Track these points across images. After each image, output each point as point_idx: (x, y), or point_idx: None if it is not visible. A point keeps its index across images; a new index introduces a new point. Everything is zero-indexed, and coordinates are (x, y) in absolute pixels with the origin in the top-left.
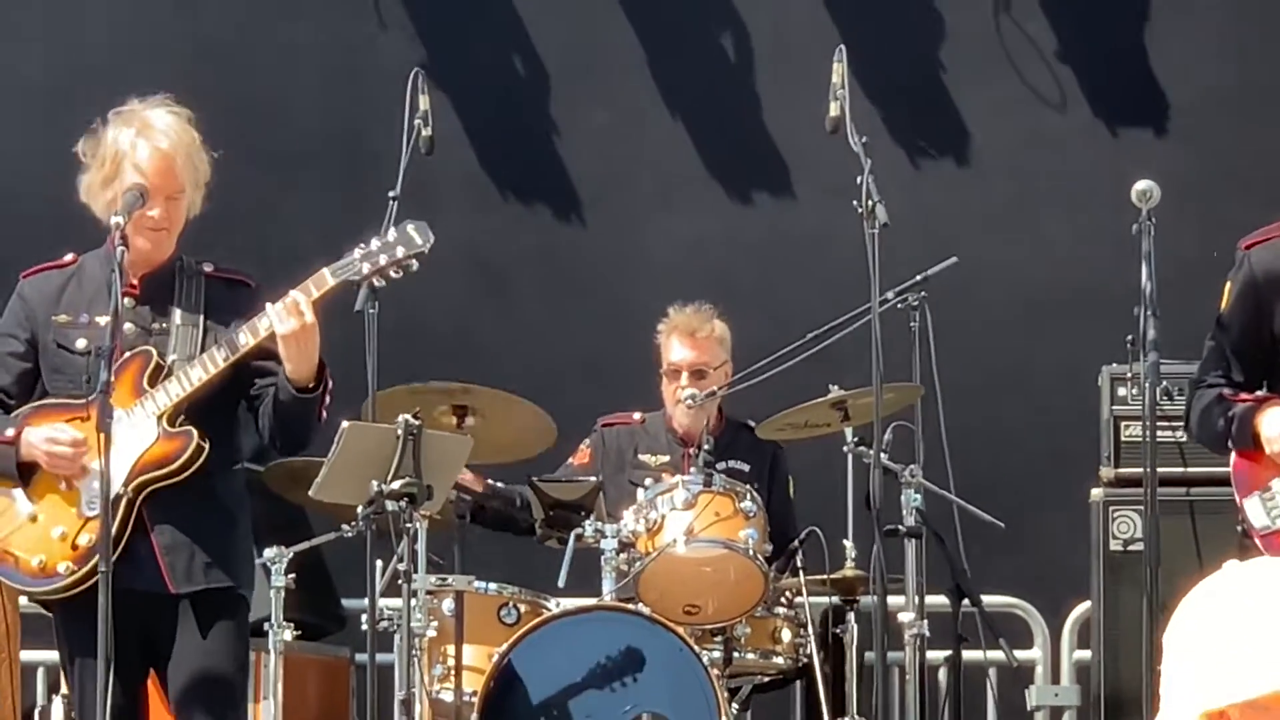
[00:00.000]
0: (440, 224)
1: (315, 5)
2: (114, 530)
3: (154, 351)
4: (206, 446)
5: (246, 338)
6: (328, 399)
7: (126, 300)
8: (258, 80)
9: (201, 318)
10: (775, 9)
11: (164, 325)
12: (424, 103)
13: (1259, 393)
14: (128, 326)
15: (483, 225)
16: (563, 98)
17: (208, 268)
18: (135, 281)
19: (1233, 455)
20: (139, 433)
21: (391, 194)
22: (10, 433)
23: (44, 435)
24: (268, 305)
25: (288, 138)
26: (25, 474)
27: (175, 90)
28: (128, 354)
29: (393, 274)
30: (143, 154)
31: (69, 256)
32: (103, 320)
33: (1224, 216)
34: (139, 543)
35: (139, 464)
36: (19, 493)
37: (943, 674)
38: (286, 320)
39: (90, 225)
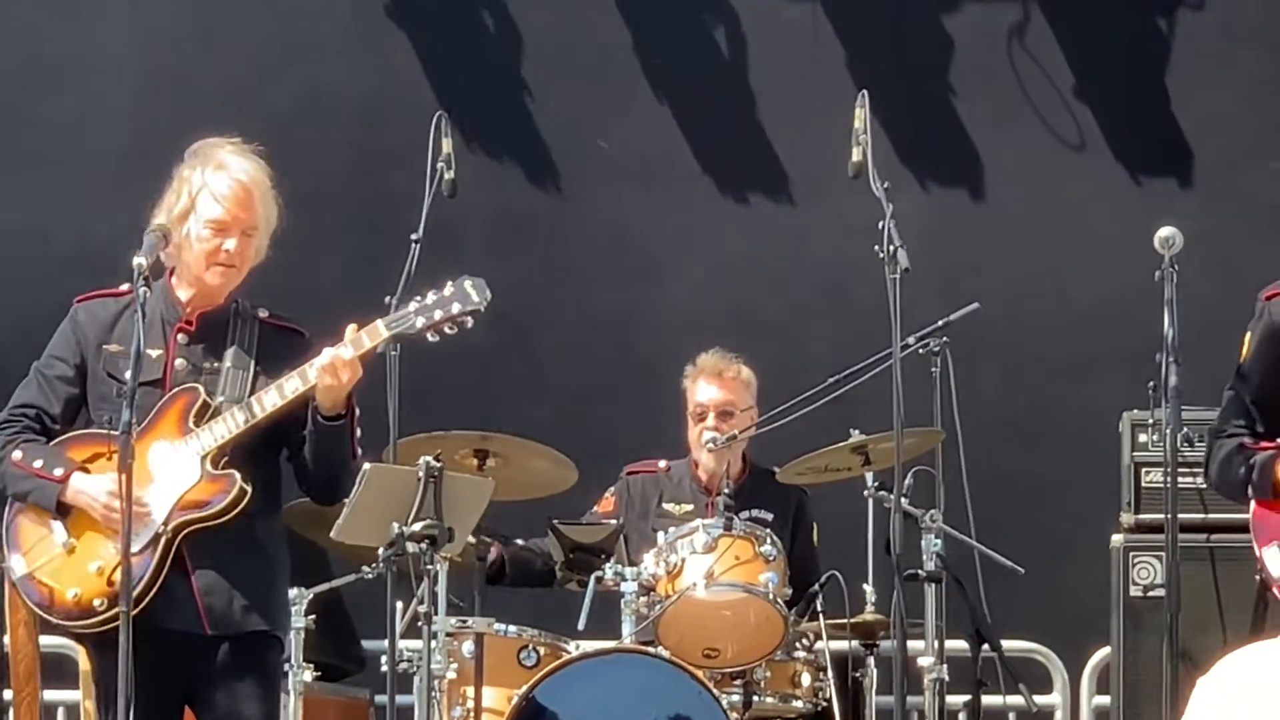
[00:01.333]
0: (462, 267)
1: (336, 48)
2: (151, 568)
3: (200, 389)
4: (250, 490)
5: (296, 384)
6: (358, 431)
7: (180, 336)
8: (279, 122)
9: (253, 363)
10: (799, 63)
11: (214, 365)
12: (446, 145)
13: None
14: (179, 362)
15: (504, 269)
16: (576, 137)
17: (263, 313)
18: (192, 319)
19: (1252, 504)
20: (182, 471)
21: (414, 237)
22: (58, 473)
23: (106, 490)
24: (325, 350)
25: (310, 180)
26: (63, 509)
27: (199, 132)
28: (174, 389)
29: (447, 330)
30: (221, 187)
31: (125, 286)
32: (154, 353)
33: (1245, 265)
34: (177, 583)
35: (180, 504)
36: (57, 525)
37: (962, 718)
38: (325, 379)
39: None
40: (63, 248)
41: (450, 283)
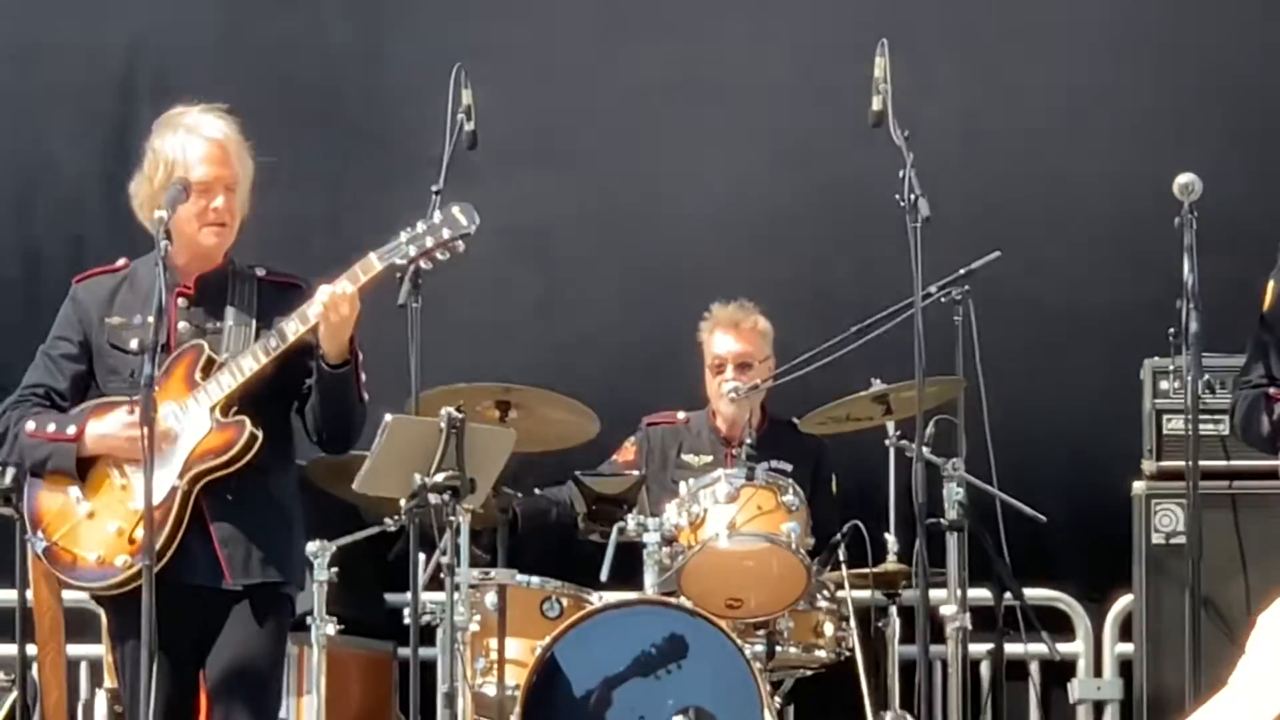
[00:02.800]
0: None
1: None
2: (170, 523)
3: (205, 345)
4: (260, 435)
5: (297, 325)
6: (364, 376)
7: (180, 301)
8: (295, 78)
9: (254, 321)
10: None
11: (217, 326)
12: (466, 97)
13: None
14: (182, 326)
15: (523, 213)
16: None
17: (260, 272)
18: (190, 284)
19: None
20: (193, 425)
21: (435, 189)
22: (72, 431)
23: (124, 422)
24: (322, 288)
25: (329, 135)
26: (82, 470)
27: (213, 92)
28: (179, 349)
29: (439, 256)
30: (196, 149)
31: (120, 261)
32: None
33: (1270, 211)
34: (195, 538)
35: (194, 455)
36: (74, 490)
37: (985, 667)
38: (338, 308)
39: (142, 237)
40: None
41: (439, 209)
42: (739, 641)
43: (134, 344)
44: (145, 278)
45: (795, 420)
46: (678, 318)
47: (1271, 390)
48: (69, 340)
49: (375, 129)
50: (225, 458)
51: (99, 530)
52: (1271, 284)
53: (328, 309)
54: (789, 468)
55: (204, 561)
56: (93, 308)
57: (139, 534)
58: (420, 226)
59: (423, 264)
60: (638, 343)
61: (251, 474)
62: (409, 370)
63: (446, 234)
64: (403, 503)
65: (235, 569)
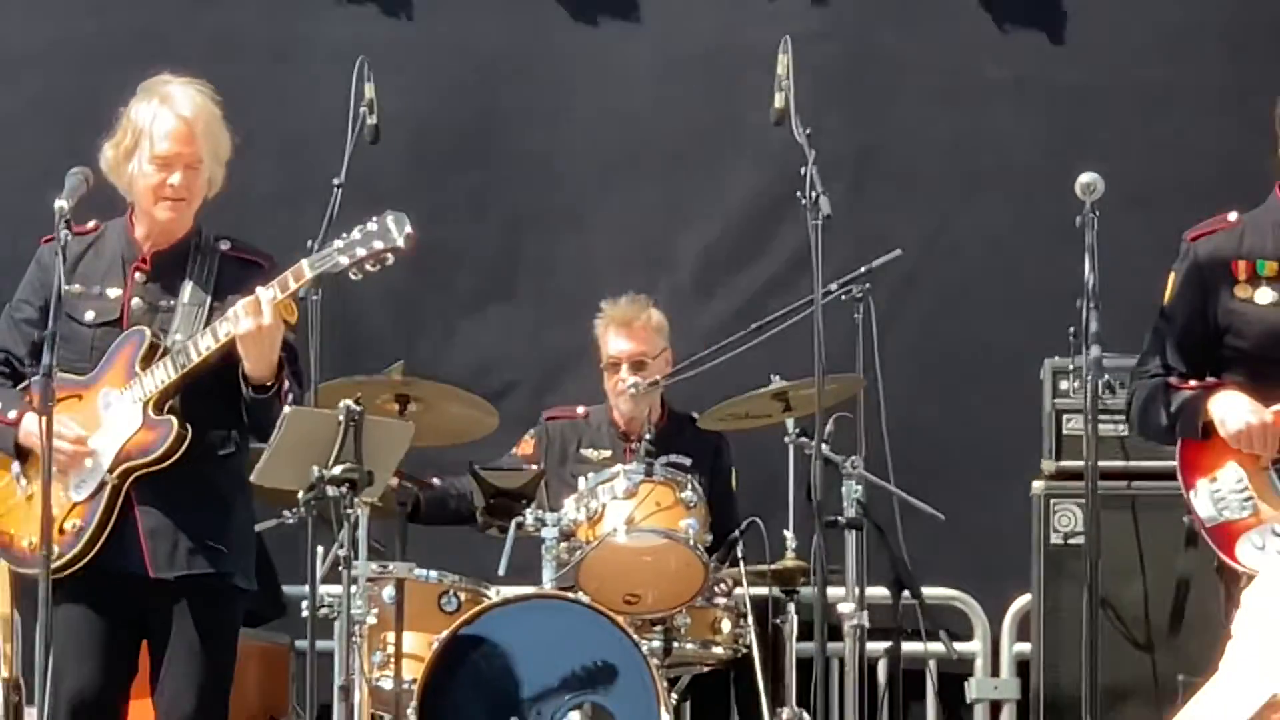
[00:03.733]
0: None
1: None
2: (99, 514)
3: (147, 332)
4: (188, 434)
5: (228, 327)
6: (289, 398)
7: (137, 275)
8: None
9: (209, 298)
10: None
11: (170, 304)
12: (369, 90)
13: (1209, 380)
14: (135, 302)
15: (425, 212)
16: (497, 74)
17: (224, 245)
18: (148, 257)
19: (1178, 446)
20: (125, 417)
21: (336, 182)
22: (13, 415)
23: (74, 435)
24: (239, 304)
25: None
26: (22, 453)
27: (122, 79)
28: (125, 334)
29: (369, 267)
30: (163, 123)
31: (92, 224)
32: (113, 293)
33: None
34: (127, 526)
35: (123, 450)
36: (17, 469)
37: (882, 666)
38: (245, 319)
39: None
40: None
41: (373, 219)
42: (636, 637)
43: (88, 315)
44: (112, 245)
45: (695, 415)
46: (580, 311)
47: (1172, 380)
48: (30, 304)
49: None
50: (152, 456)
51: (34, 515)
52: (1172, 276)
53: (248, 310)
54: (688, 462)
55: (133, 550)
56: (55, 272)
57: (69, 524)
58: (355, 234)
59: (352, 274)
60: (538, 337)
61: (187, 463)
62: (309, 362)
63: (379, 245)
64: (300, 495)
65: (159, 561)
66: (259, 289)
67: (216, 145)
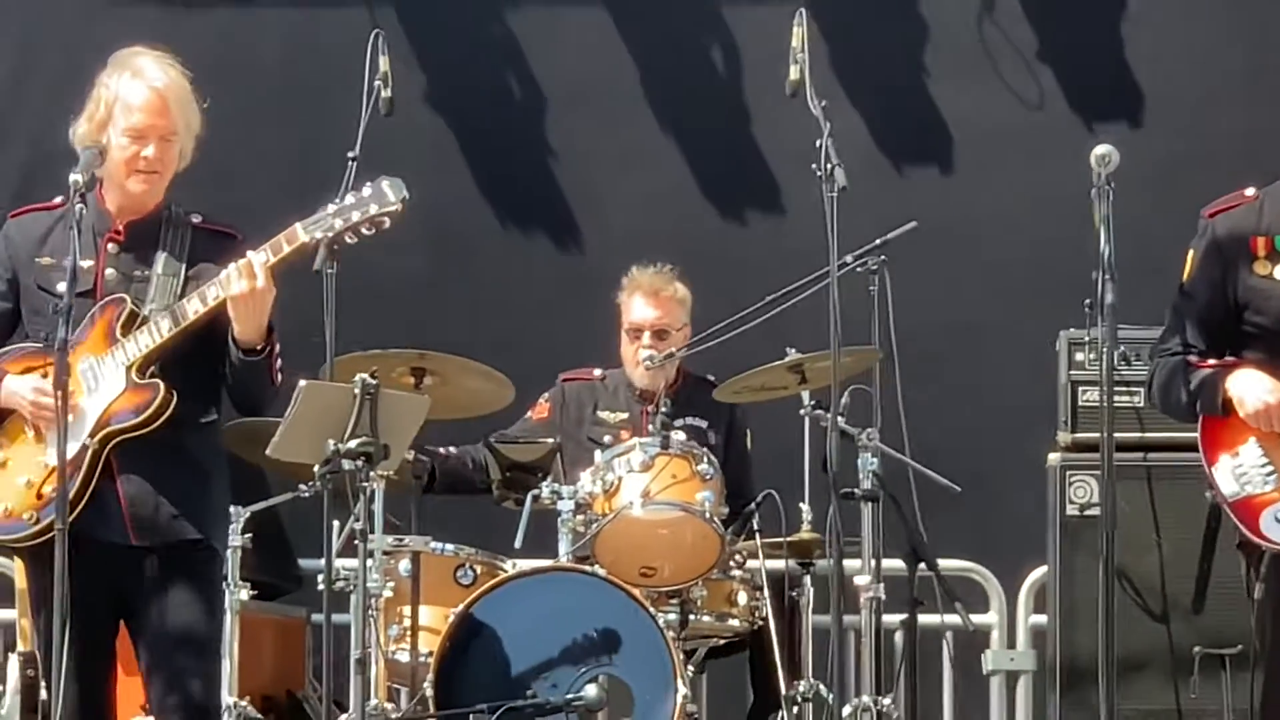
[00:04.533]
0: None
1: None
2: (79, 481)
3: (128, 299)
4: (174, 399)
5: (216, 292)
6: (278, 362)
7: (110, 246)
8: (218, 39)
9: (183, 268)
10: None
11: (144, 274)
12: (384, 64)
13: (1227, 358)
14: (109, 273)
15: (441, 186)
16: (523, 49)
17: (195, 218)
18: (120, 228)
19: (1200, 423)
20: (108, 382)
21: (350, 155)
22: None
23: (32, 386)
24: (231, 266)
25: (248, 97)
26: None
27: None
28: (102, 301)
29: (365, 231)
30: (136, 95)
31: (58, 199)
32: (86, 264)
33: (1184, 184)
34: (107, 493)
35: (105, 415)
36: None
37: (899, 638)
38: (238, 282)
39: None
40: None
41: (368, 183)
42: (652, 610)
43: (61, 287)
44: (83, 215)
45: (711, 378)
46: (594, 288)
47: (1191, 358)
48: None
49: None
50: (138, 419)
51: (9, 481)
52: (1191, 253)
53: (241, 272)
54: (704, 424)
55: (114, 517)
56: (23, 245)
57: (47, 489)
58: (349, 199)
59: (349, 237)
60: (555, 310)
61: (167, 430)
62: (325, 337)
63: (374, 210)
64: (316, 468)
65: (141, 528)
66: (250, 252)
67: (189, 118)
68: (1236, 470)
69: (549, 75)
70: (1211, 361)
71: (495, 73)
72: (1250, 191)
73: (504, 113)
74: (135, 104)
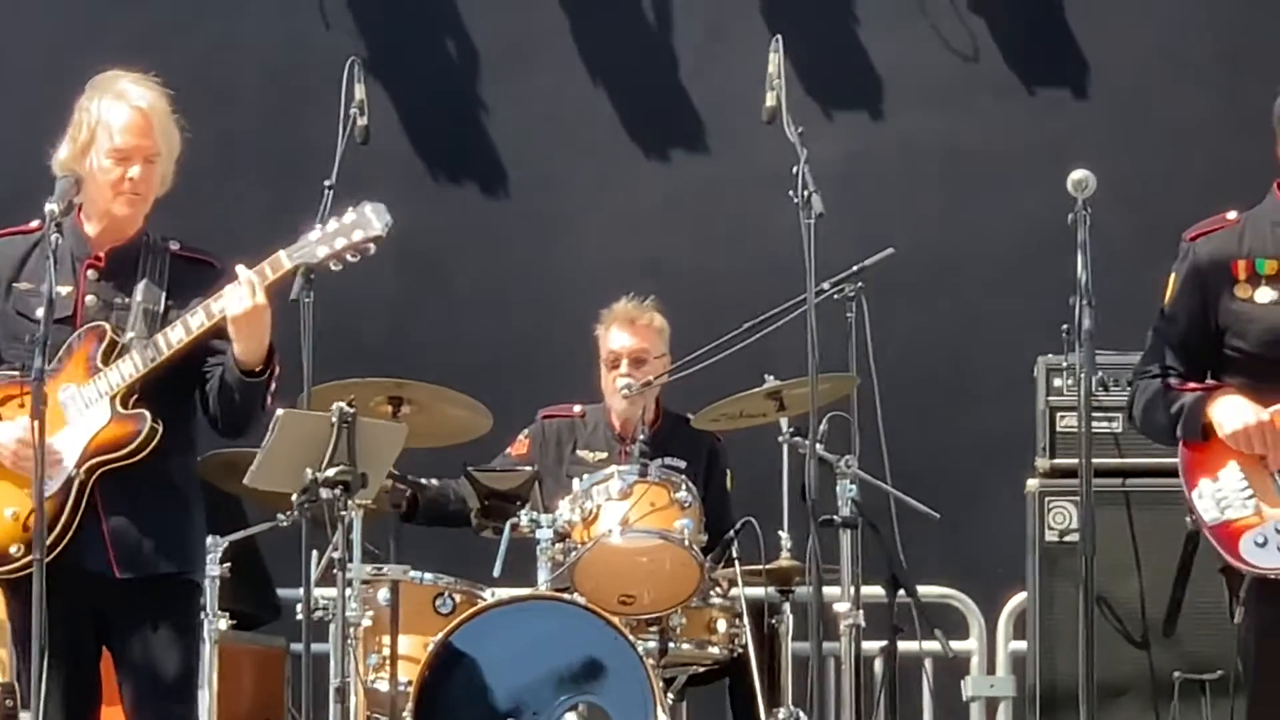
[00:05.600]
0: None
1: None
2: (66, 513)
3: (108, 327)
4: (160, 429)
5: (201, 319)
6: (273, 385)
7: (90, 272)
8: (194, 71)
9: (163, 296)
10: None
11: (124, 301)
12: (360, 92)
13: (1208, 381)
14: (89, 299)
15: (418, 215)
16: (492, 79)
17: (174, 246)
18: (101, 255)
19: (1180, 447)
20: (92, 412)
21: (327, 183)
22: None
23: (14, 437)
24: (228, 287)
25: (225, 128)
26: None
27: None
28: (82, 329)
29: (349, 258)
30: (120, 116)
31: (35, 223)
32: (64, 290)
33: (1160, 209)
34: (91, 525)
35: (91, 445)
36: None
37: (878, 665)
38: (238, 301)
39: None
40: None
41: (351, 209)
42: (632, 638)
43: (39, 312)
44: (60, 243)
45: (689, 416)
46: (571, 315)
47: (1173, 381)
48: None
49: None
50: (124, 451)
51: None
52: (1172, 277)
53: (234, 298)
54: (683, 464)
55: (97, 549)
56: (2, 269)
57: (33, 521)
58: (332, 225)
59: (333, 265)
60: (532, 338)
61: (149, 460)
62: (301, 365)
63: (358, 236)
64: (294, 497)
65: (124, 562)
66: (241, 269)
67: (171, 140)
68: (1216, 495)
69: (520, 95)
70: (1193, 385)
71: (466, 93)
72: (1232, 215)
73: (478, 137)
74: (119, 125)
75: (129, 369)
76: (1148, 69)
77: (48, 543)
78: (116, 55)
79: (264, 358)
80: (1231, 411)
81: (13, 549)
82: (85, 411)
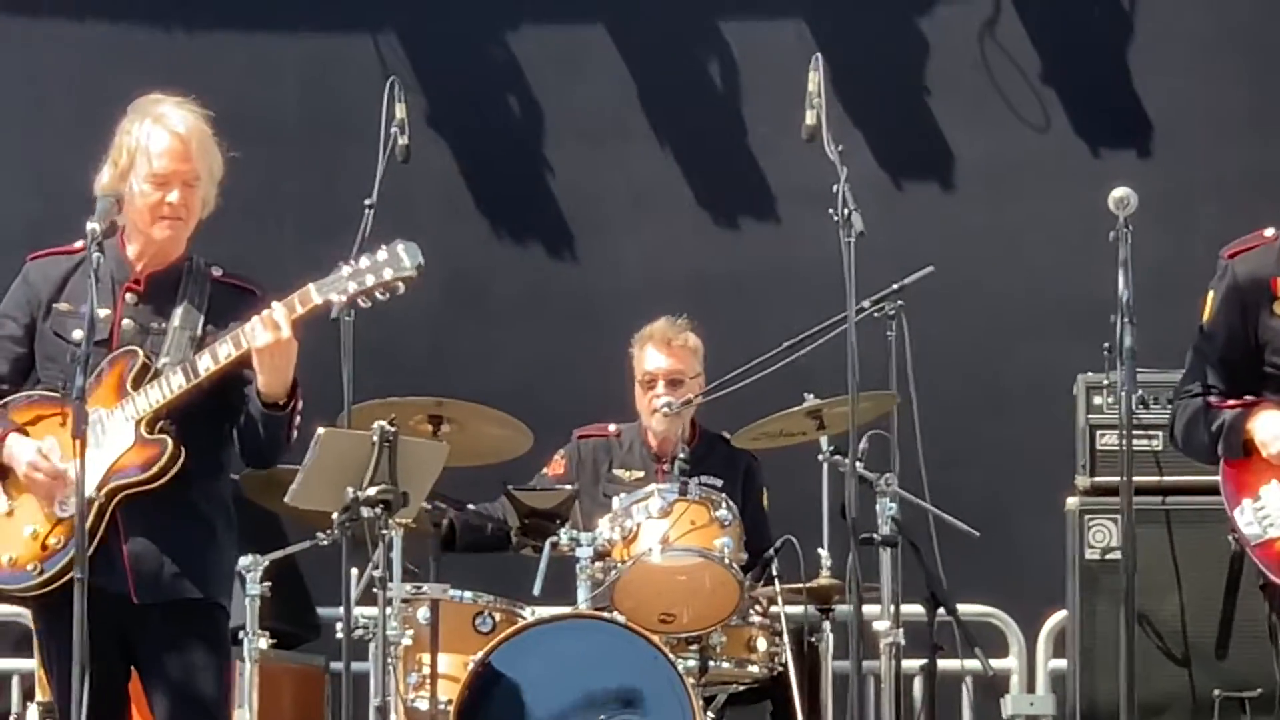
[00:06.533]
0: (415, 235)
1: (295, 16)
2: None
3: (140, 352)
4: (182, 455)
5: (229, 349)
6: (297, 419)
7: (129, 296)
8: (236, 89)
9: (201, 321)
10: (760, 32)
11: (161, 326)
12: (400, 111)
13: (1247, 398)
14: (126, 323)
15: (459, 235)
16: (536, 93)
17: (216, 271)
18: (140, 278)
19: (1221, 465)
20: (117, 436)
21: (367, 203)
22: None
23: (29, 458)
24: (254, 319)
25: (268, 147)
26: (1, 470)
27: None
28: (113, 353)
29: (379, 295)
30: (159, 141)
31: (79, 244)
32: (103, 313)
33: (1200, 225)
34: (112, 549)
35: (112, 469)
36: None
37: (918, 683)
38: (263, 334)
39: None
40: (17, 219)
41: (384, 246)
42: (671, 656)
43: (77, 334)
44: (102, 265)
45: (726, 435)
46: (610, 332)
47: (1212, 399)
48: (15, 321)
49: None
50: (145, 475)
51: (15, 530)
52: (1210, 295)
53: (263, 325)
54: (719, 483)
55: (118, 572)
56: (43, 289)
57: (53, 540)
58: (364, 262)
59: (361, 302)
60: (570, 357)
61: (174, 485)
62: (342, 384)
63: (389, 275)
64: (335, 516)
65: (143, 587)
66: (274, 303)
67: (211, 163)
68: (1259, 513)
69: (562, 115)
70: (1232, 402)
71: (501, 105)
72: (1270, 232)
73: (514, 154)
74: (158, 150)
75: (157, 395)
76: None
77: (68, 563)
78: (152, 80)
79: (288, 390)
80: (1274, 429)
81: (30, 567)
82: (109, 435)
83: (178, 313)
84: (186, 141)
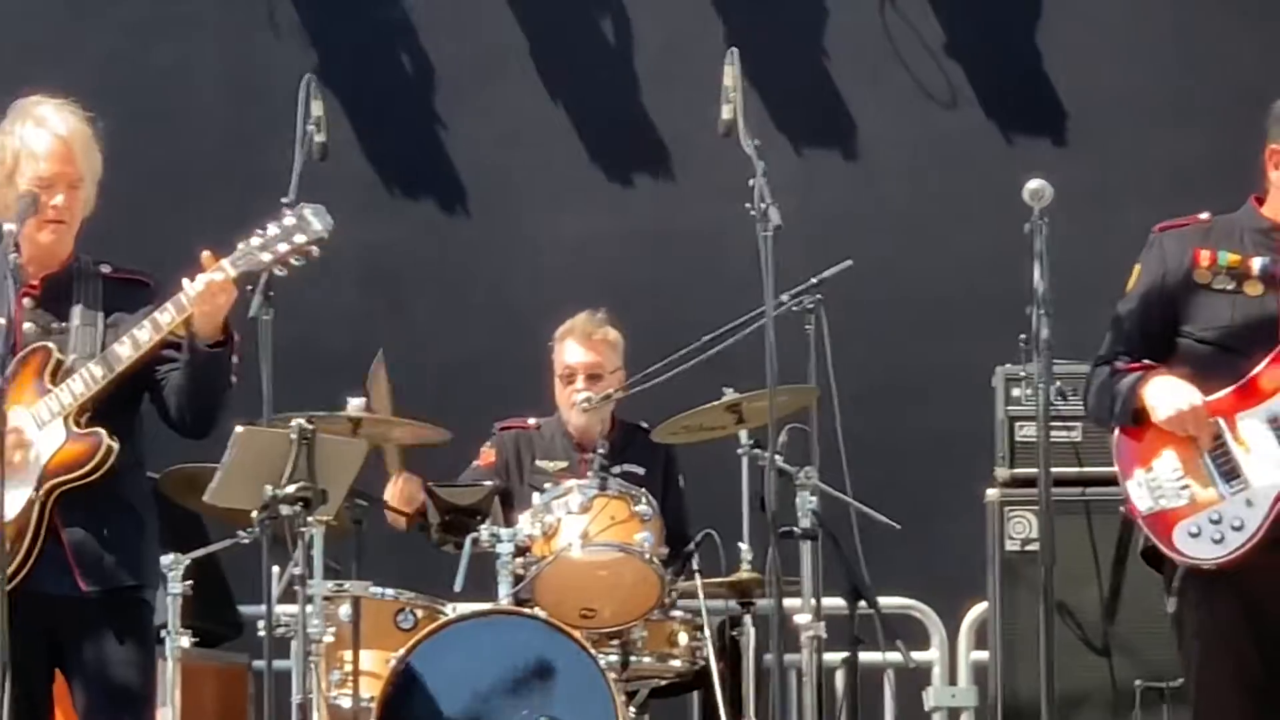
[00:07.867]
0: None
1: (208, 14)
2: (29, 535)
3: (52, 347)
4: (116, 446)
5: (149, 333)
6: (235, 359)
7: (26, 300)
8: (150, 92)
9: (100, 317)
10: (666, 8)
11: (62, 326)
12: (316, 108)
13: (1146, 361)
14: (27, 327)
15: (375, 230)
16: (451, 96)
17: (105, 269)
18: (36, 282)
19: (1115, 434)
20: (47, 433)
21: (285, 200)
22: None
23: None
24: (184, 282)
25: (182, 149)
26: None
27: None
28: (25, 350)
29: (293, 261)
30: (41, 143)
31: None
32: (1, 321)
33: (1117, 218)
34: (50, 545)
35: (50, 467)
36: None
37: (840, 676)
38: (215, 296)
39: None
40: None
41: (289, 212)
42: (593, 652)
43: None
44: (16, 265)
45: (644, 425)
46: (531, 328)
47: (1118, 363)
48: None
49: None
50: (83, 470)
51: None
52: (1137, 267)
53: (202, 298)
54: (641, 471)
55: (58, 569)
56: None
57: None
58: (272, 230)
59: (277, 270)
60: (490, 353)
61: (104, 478)
62: (260, 385)
63: (300, 240)
64: (254, 514)
65: (88, 574)
66: (206, 274)
67: (94, 164)
68: (1151, 483)
69: (478, 113)
70: (1134, 365)
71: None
72: (1204, 215)
73: (434, 153)
74: (40, 152)
75: (80, 387)
76: (1110, 77)
77: (15, 567)
78: (70, 80)
79: (219, 330)
80: (1165, 395)
81: None
82: (39, 433)
83: (76, 311)
84: (68, 144)
